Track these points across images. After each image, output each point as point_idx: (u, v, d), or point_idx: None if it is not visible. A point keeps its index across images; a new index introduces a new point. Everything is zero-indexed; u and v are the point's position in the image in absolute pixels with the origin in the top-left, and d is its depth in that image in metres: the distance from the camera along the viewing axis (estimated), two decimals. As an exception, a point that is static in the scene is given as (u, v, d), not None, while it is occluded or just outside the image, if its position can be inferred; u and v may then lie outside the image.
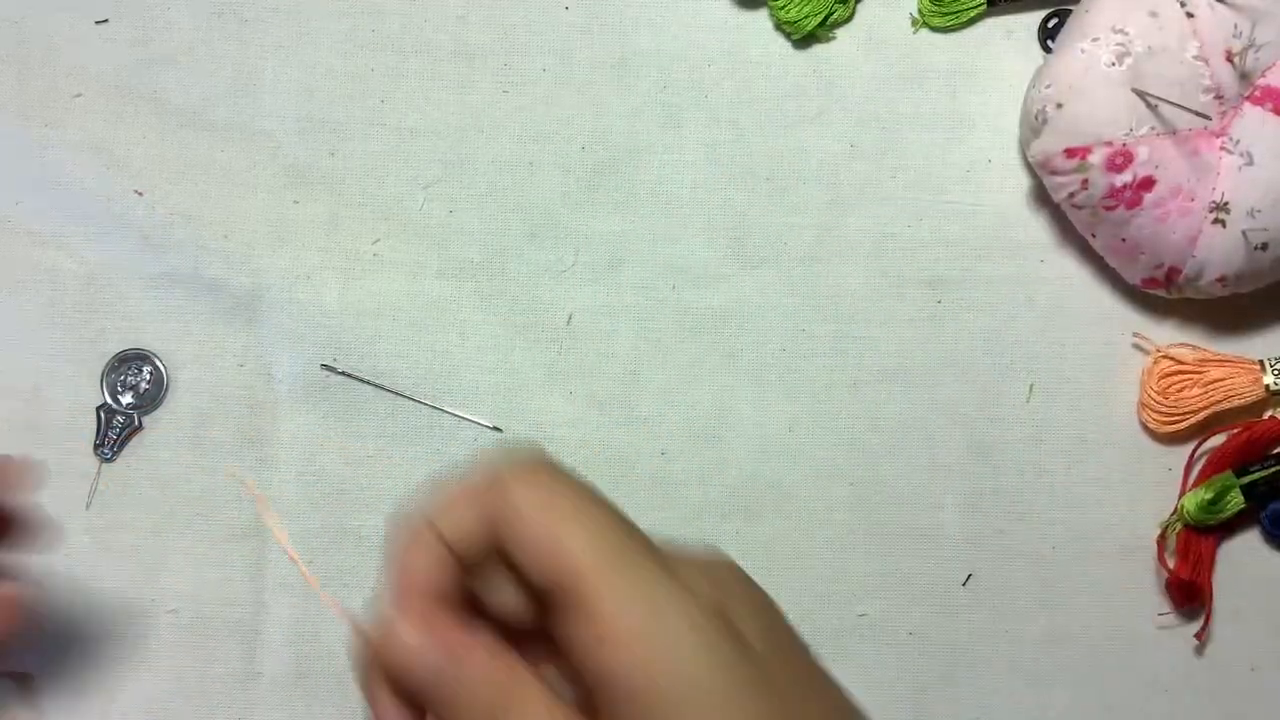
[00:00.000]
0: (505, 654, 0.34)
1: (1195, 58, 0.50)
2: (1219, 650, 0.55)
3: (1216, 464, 0.54)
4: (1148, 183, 0.51)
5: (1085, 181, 0.51)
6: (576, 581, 0.32)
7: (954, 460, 0.55)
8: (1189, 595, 0.54)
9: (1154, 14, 0.50)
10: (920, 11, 0.56)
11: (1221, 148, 0.51)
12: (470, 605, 0.35)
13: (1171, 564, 0.54)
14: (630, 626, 0.32)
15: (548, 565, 0.33)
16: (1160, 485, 0.55)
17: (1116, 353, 0.55)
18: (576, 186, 0.55)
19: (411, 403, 0.55)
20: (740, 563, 0.38)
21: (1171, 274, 0.52)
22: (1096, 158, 0.51)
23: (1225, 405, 0.54)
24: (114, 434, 0.54)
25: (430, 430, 0.54)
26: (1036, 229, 0.55)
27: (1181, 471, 0.55)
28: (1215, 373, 0.54)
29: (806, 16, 0.55)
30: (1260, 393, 0.54)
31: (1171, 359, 0.54)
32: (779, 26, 0.55)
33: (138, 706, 0.53)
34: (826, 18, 0.55)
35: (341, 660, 0.54)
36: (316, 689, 0.53)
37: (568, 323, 0.55)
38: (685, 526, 0.54)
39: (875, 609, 0.54)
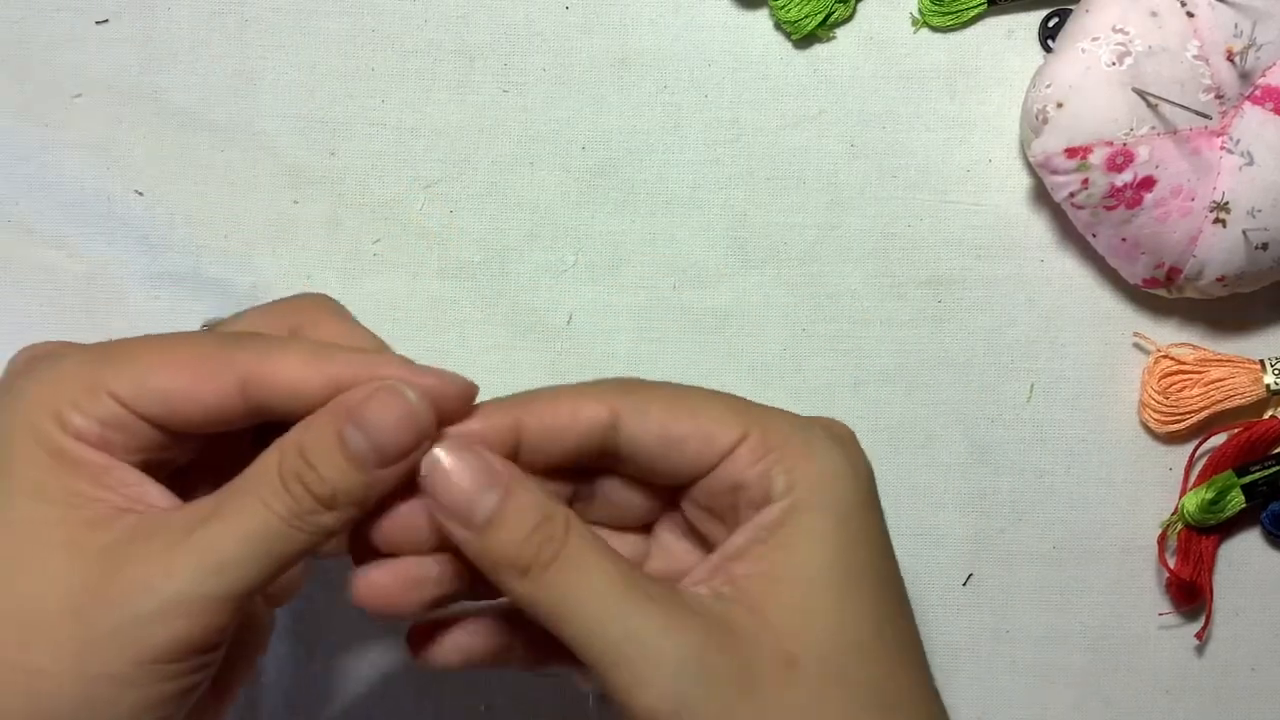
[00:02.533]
0: (554, 497, 0.36)
1: (1195, 57, 0.50)
2: (1219, 650, 0.55)
3: (1217, 464, 0.54)
4: (1148, 182, 0.51)
5: (1085, 181, 0.51)
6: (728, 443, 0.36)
7: (954, 460, 0.55)
8: (1189, 595, 0.54)
9: (1154, 13, 0.50)
10: (920, 11, 0.56)
11: (1222, 147, 0.51)
12: None
13: (1172, 564, 0.54)
14: (793, 448, 0.36)
15: (702, 447, 0.36)
16: (1160, 485, 0.55)
17: (1117, 353, 0.55)
18: (576, 186, 0.55)
19: (411, 403, 0.55)
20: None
21: (1172, 274, 0.52)
22: (1097, 157, 0.51)
23: (1226, 405, 0.54)
24: (114, 434, 0.54)
25: (430, 430, 0.54)
26: (1036, 229, 0.55)
27: (1182, 471, 0.55)
28: (1216, 372, 0.54)
29: (807, 16, 0.55)
30: (1261, 392, 0.54)
31: (1172, 359, 0.54)
32: (779, 26, 0.55)
33: (138, 706, 0.53)
34: (826, 18, 0.55)
35: (341, 658, 0.54)
36: (316, 688, 0.53)
37: (568, 323, 0.55)
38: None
39: (875, 609, 0.54)
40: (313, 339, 0.38)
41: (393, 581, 0.36)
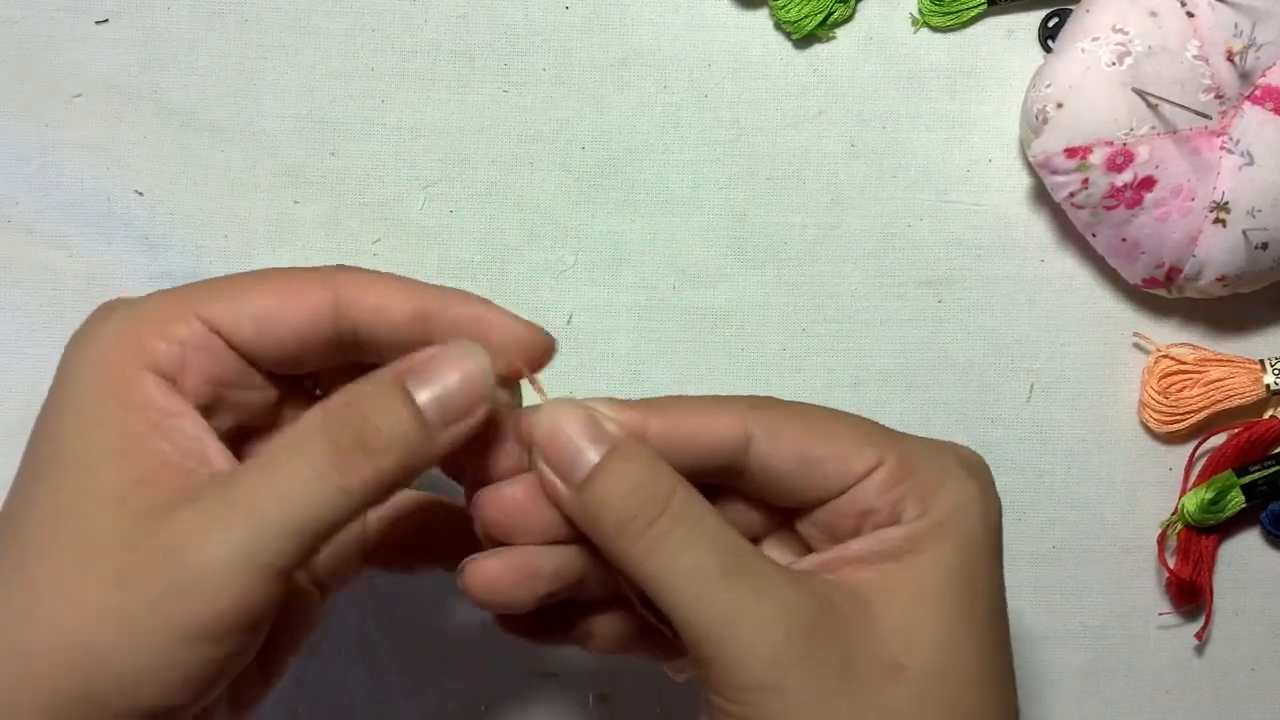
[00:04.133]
0: (664, 462, 0.35)
1: (1195, 57, 0.50)
2: (1219, 650, 0.55)
3: (1217, 464, 0.54)
4: (1148, 182, 0.51)
5: (1085, 181, 0.51)
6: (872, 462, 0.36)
7: (954, 460, 0.55)
8: (1189, 595, 0.54)
9: (1154, 13, 0.50)
10: (920, 11, 0.56)
11: (1222, 147, 0.51)
12: None
13: (1172, 564, 0.54)
14: (927, 476, 0.36)
15: (837, 470, 0.36)
16: (1160, 485, 0.55)
17: (1116, 352, 0.55)
18: (576, 186, 0.55)
19: (411, 403, 0.55)
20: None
21: (1172, 273, 0.52)
22: (1097, 157, 0.51)
23: (1225, 405, 0.54)
24: (114, 434, 0.54)
25: (430, 430, 0.54)
26: (1036, 229, 0.55)
27: (1182, 471, 0.55)
28: (1215, 372, 0.54)
29: (807, 16, 0.55)
30: (1260, 392, 0.54)
31: (1172, 358, 0.54)
32: (779, 26, 0.55)
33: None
34: (827, 18, 0.55)
35: (339, 658, 0.54)
36: (316, 689, 0.53)
37: (568, 323, 0.55)
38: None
39: (875, 609, 0.54)
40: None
41: (505, 571, 0.35)
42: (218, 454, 0.35)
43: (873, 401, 0.55)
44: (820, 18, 0.55)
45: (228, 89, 0.55)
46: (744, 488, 0.37)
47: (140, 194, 0.55)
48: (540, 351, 0.37)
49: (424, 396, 0.34)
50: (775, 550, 0.39)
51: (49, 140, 0.54)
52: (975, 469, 0.37)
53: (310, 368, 0.38)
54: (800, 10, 0.54)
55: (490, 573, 0.35)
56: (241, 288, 0.36)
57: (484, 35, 0.55)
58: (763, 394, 0.38)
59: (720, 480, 0.37)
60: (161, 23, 0.55)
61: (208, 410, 0.35)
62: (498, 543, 0.36)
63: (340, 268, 0.37)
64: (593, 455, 0.34)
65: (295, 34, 0.55)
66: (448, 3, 0.55)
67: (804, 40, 0.55)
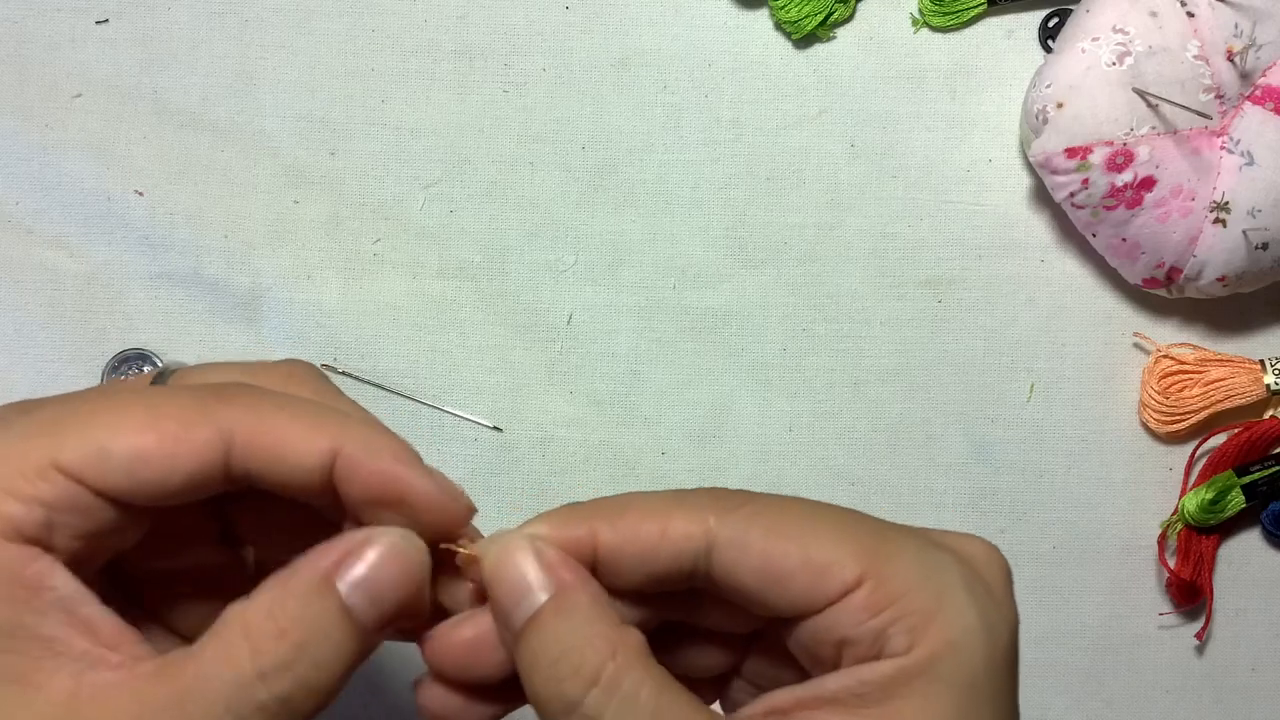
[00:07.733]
0: (614, 613, 0.31)
1: (1196, 57, 0.50)
2: (1219, 650, 0.55)
3: (1217, 464, 0.54)
4: (1148, 182, 0.51)
5: (1086, 181, 0.51)
6: (841, 577, 0.30)
7: (954, 460, 0.55)
8: (1189, 595, 0.54)
9: (1154, 13, 0.50)
10: (920, 11, 0.56)
11: (1222, 147, 0.51)
12: None
13: (1172, 564, 0.54)
14: (918, 601, 0.30)
15: (808, 587, 0.30)
16: (1160, 485, 0.55)
17: (1117, 353, 0.55)
18: (577, 186, 0.55)
19: (411, 403, 0.55)
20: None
21: (1172, 274, 0.52)
22: (1097, 157, 0.51)
23: (1226, 405, 0.54)
24: (114, 434, 0.53)
25: (430, 430, 0.54)
26: (1036, 229, 0.55)
27: (1182, 471, 0.55)
28: (1216, 372, 0.54)
29: (807, 16, 0.55)
30: (1261, 392, 0.54)
31: (1172, 359, 0.54)
32: (779, 26, 0.55)
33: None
34: (827, 18, 0.55)
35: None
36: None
37: (568, 323, 0.55)
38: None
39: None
40: (308, 397, 0.33)
41: (454, 700, 0.32)
42: (102, 621, 0.30)
43: (873, 401, 0.55)
44: (820, 18, 0.55)
45: (228, 89, 0.55)
46: (713, 592, 0.32)
47: (140, 194, 0.55)
48: (460, 520, 0.32)
49: (358, 600, 0.30)
50: (760, 664, 0.35)
51: (49, 140, 0.54)
52: (981, 579, 0.31)
53: (202, 496, 0.31)
54: (800, 10, 0.54)
55: (439, 701, 0.32)
56: (108, 425, 0.29)
57: (484, 35, 0.55)
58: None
59: (684, 585, 0.32)
60: (161, 23, 0.55)
61: (83, 554, 0.30)
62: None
63: (230, 393, 0.31)
64: (538, 598, 0.30)
65: (296, 34, 0.55)
66: (448, 3, 0.55)
67: (804, 40, 0.55)
